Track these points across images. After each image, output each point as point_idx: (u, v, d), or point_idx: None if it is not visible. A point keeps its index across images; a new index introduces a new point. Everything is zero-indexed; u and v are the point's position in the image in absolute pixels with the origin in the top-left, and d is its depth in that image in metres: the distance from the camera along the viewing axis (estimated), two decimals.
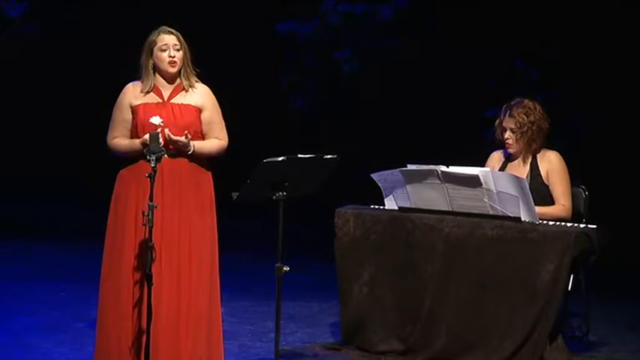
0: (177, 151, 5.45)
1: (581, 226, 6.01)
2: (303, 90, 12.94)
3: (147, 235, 5.18)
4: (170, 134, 5.41)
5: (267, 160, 5.38)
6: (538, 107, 6.40)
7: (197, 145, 5.49)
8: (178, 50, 5.53)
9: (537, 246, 5.86)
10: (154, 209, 5.14)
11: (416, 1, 12.17)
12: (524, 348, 5.85)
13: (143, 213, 5.16)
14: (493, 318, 5.94)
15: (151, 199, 5.15)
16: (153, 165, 5.15)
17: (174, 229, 5.45)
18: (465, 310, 6.02)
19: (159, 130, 5.37)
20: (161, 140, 5.33)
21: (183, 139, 5.40)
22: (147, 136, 5.35)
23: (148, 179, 5.23)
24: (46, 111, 14.50)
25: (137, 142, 5.45)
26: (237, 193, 5.44)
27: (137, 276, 5.40)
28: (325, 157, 5.60)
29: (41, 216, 12.42)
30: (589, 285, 6.51)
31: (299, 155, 5.52)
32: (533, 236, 5.89)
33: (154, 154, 5.17)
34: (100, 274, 5.56)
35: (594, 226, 5.99)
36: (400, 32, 12.28)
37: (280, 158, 5.40)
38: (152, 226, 5.15)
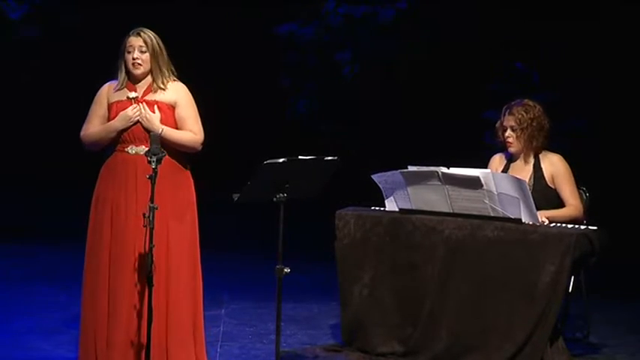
0: (147, 130, 5.46)
1: (582, 227, 6.02)
2: (304, 91, 12.94)
3: (147, 237, 5.17)
4: (145, 106, 5.48)
5: (268, 161, 5.38)
6: (538, 106, 6.45)
7: (167, 129, 5.49)
8: (144, 52, 5.56)
9: (538, 247, 5.85)
10: (155, 210, 5.13)
11: (416, 3, 12.17)
12: (525, 349, 5.84)
13: (144, 215, 5.15)
14: (493, 319, 5.93)
15: (151, 201, 5.14)
16: (154, 167, 5.15)
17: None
18: (466, 312, 6.01)
19: (135, 109, 5.45)
20: (135, 112, 5.43)
21: (154, 115, 5.46)
22: (122, 114, 5.46)
23: (123, 174, 5.28)
24: (47, 112, 14.49)
25: (112, 122, 5.49)
26: (238, 195, 5.44)
27: (114, 275, 5.43)
28: (326, 158, 5.60)
29: (41, 218, 12.41)
30: (589, 286, 6.51)
31: (300, 157, 5.52)
32: (533, 238, 5.89)
33: (154, 155, 5.17)
34: (83, 274, 5.61)
35: (594, 228, 5.99)
36: (400, 34, 12.28)
37: (281, 160, 5.40)
38: (153, 228, 5.14)
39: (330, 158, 5.60)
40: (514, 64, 11.17)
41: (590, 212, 6.50)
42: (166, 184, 5.46)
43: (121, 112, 5.50)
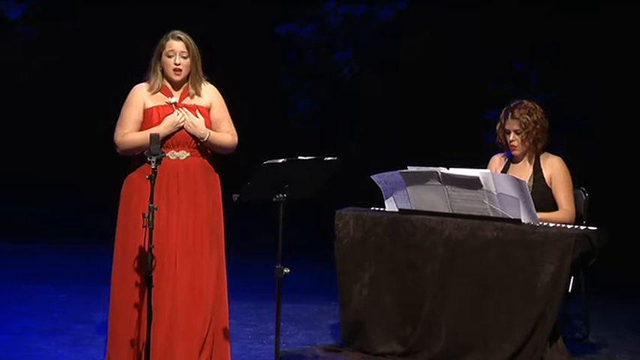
0: (193, 136, 5.47)
1: (582, 228, 6.02)
2: (303, 92, 12.94)
3: (147, 238, 5.17)
4: (188, 112, 5.46)
5: (268, 162, 5.37)
6: (538, 106, 6.44)
7: (212, 133, 5.51)
8: (185, 58, 5.52)
9: (537, 248, 5.85)
10: (155, 211, 5.14)
11: (416, 3, 12.17)
12: (524, 350, 5.84)
13: (143, 215, 5.15)
14: (493, 320, 5.93)
15: (151, 201, 5.14)
16: (153, 167, 5.15)
17: (189, 230, 5.47)
18: (465, 312, 6.02)
19: (177, 117, 5.41)
20: (181, 118, 5.37)
21: (199, 121, 5.46)
22: (169, 120, 5.40)
23: (164, 180, 5.24)
24: (47, 112, 14.49)
25: (157, 128, 5.40)
26: (238, 195, 5.44)
27: (157, 283, 5.39)
28: (325, 159, 5.60)
29: (41, 217, 12.41)
30: (589, 286, 6.51)
31: (299, 157, 5.52)
32: (533, 238, 5.89)
33: (154, 155, 5.16)
34: (111, 276, 5.57)
35: (594, 228, 5.99)
36: (400, 34, 12.28)
37: (280, 160, 5.40)
38: (152, 228, 5.14)
39: (329, 158, 5.60)
40: (514, 64, 11.16)
41: (590, 212, 6.50)
42: (203, 186, 5.54)
43: (167, 118, 5.46)
